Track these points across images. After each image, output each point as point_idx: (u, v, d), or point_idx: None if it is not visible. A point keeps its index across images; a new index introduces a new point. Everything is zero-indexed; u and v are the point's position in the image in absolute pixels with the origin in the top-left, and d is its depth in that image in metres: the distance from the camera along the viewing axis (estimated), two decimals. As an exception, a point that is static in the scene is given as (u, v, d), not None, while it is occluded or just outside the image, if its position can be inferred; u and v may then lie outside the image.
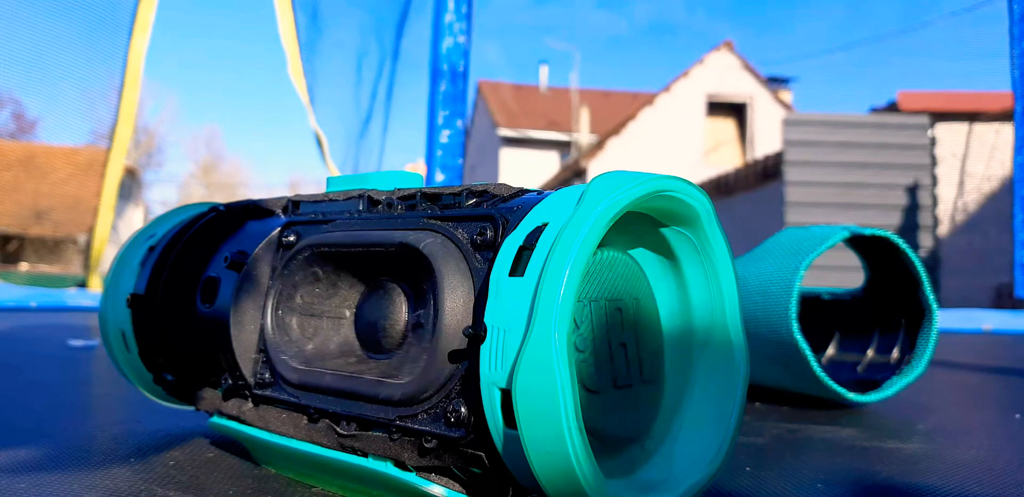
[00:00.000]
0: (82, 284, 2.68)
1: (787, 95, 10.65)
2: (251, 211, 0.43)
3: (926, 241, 4.31)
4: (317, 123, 3.00)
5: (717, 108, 10.54)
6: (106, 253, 2.74)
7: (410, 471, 0.31)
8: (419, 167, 3.14)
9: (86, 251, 2.75)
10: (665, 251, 0.34)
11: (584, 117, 11.82)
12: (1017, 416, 0.68)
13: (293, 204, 0.41)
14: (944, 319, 1.80)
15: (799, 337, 0.64)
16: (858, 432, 0.58)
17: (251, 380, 0.38)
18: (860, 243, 0.72)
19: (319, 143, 3.02)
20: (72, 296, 2.26)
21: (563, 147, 12.48)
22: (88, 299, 2.16)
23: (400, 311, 0.35)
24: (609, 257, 0.32)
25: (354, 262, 0.37)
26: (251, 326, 0.38)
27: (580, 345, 0.30)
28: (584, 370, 0.30)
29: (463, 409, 0.29)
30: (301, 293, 0.37)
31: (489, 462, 0.29)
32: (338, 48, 3.23)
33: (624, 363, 0.32)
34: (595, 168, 9.67)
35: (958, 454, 0.52)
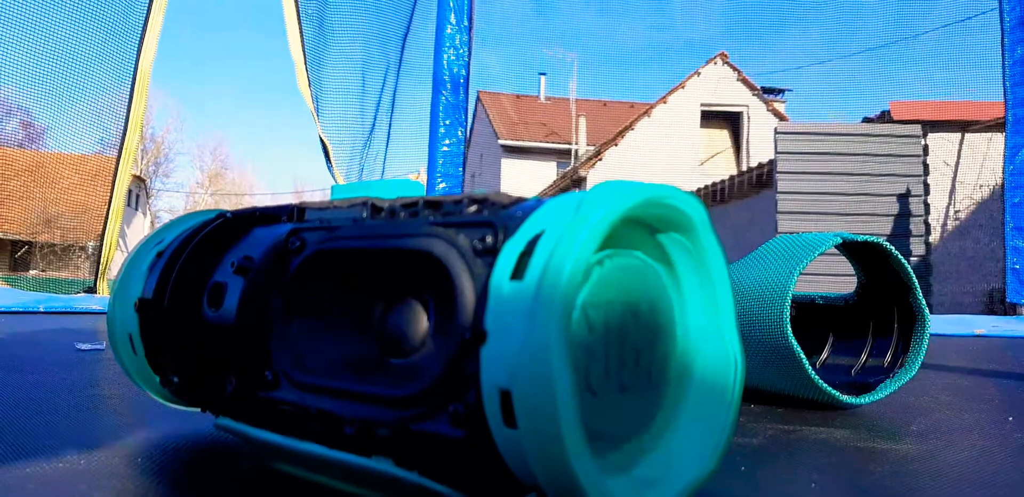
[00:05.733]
0: (91, 289, 2.69)
1: (781, 105, 10.70)
2: (257, 218, 0.44)
3: (918, 249, 4.32)
4: (324, 132, 3.01)
5: (712, 118, 10.58)
6: (115, 259, 2.75)
7: (412, 470, 0.32)
8: (421, 177, 3.16)
9: (96, 257, 2.77)
10: (662, 257, 0.35)
11: (582, 127, 11.85)
12: (1010, 418, 0.69)
13: (298, 211, 0.42)
14: (936, 325, 1.81)
15: (792, 341, 0.65)
16: (852, 433, 0.59)
17: (256, 382, 0.38)
18: (852, 249, 0.73)
19: (326, 152, 3.03)
20: (80, 301, 2.26)
21: (562, 156, 12.52)
22: (96, 304, 2.16)
23: (415, 317, 0.36)
24: (627, 263, 0.33)
25: (367, 268, 0.37)
26: (256, 330, 0.39)
27: (593, 349, 0.31)
28: (592, 373, 0.31)
29: (464, 410, 0.30)
30: (308, 297, 0.38)
31: (490, 461, 0.30)
32: (344, 58, 3.26)
33: (633, 367, 0.33)
34: (593, 177, 9.70)
35: (950, 455, 0.53)
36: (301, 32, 2.95)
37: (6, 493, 0.37)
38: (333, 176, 3.06)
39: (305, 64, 2.96)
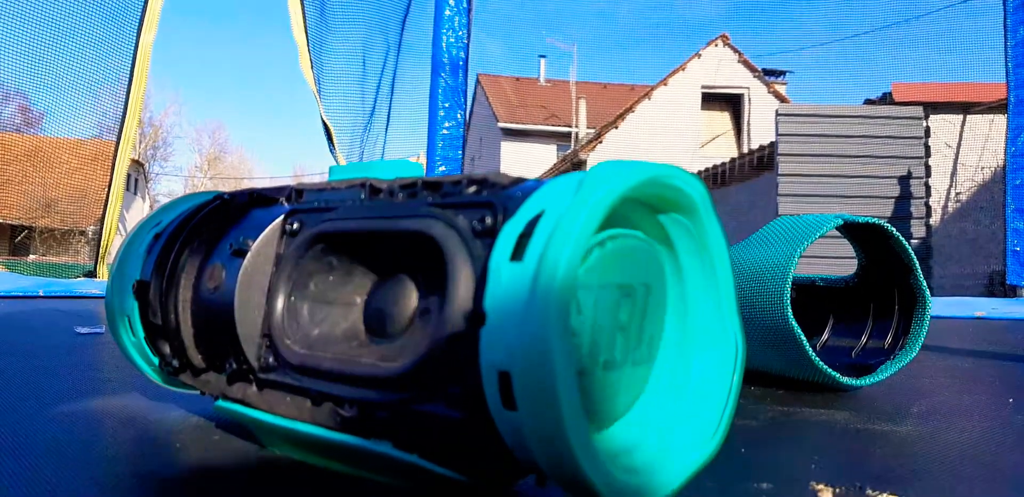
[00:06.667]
0: (90, 274, 2.69)
1: (782, 87, 10.66)
2: (255, 200, 0.44)
3: (919, 231, 4.32)
4: (326, 114, 3.01)
5: (713, 100, 10.55)
6: (114, 243, 2.76)
7: (412, 452, 0.32)
8: (420, 161, 3.15)
9: (95, 241, 2.77)
10: (663, 238, 0.35)
11: (582, 110, 11.82)
12: (1010, 400, 0.69)
13: (296, 193, 0.41)
14: (937, 307, 1.81)
15: (793, 322, 0.65)
16: (852, 415, 0.59)
17: (255, 364, 0.38)
18: (853, 231, 0.73)
19: (328, 135, 3.03)
20: (80, 285, 2.26)
21: (562, 139, 12.49)
22: (96, 288, 2.16)
23: (404, 296, 0.36)
24: (624, 245, 0.32)
25: (362, 249, 0.37)
26: (255, 312, 0.39)
27: (577, 329, 0.31)
28: (574, 353, 0.31)
29: (464, 391, 0.30)
30: (305, 279, 0.38)
31: (489, 443, 0.29)
32: (345, 40, 3.25)
33: (618, 347, 0.33)
34: (593, 160, 9.69)
35: (951, 436, 0.53)
36: (304, 13, 2.94)
37: (4, 478, 0.37)
38: (335, 159, 3.06)
39: (307, 45, 2.95)
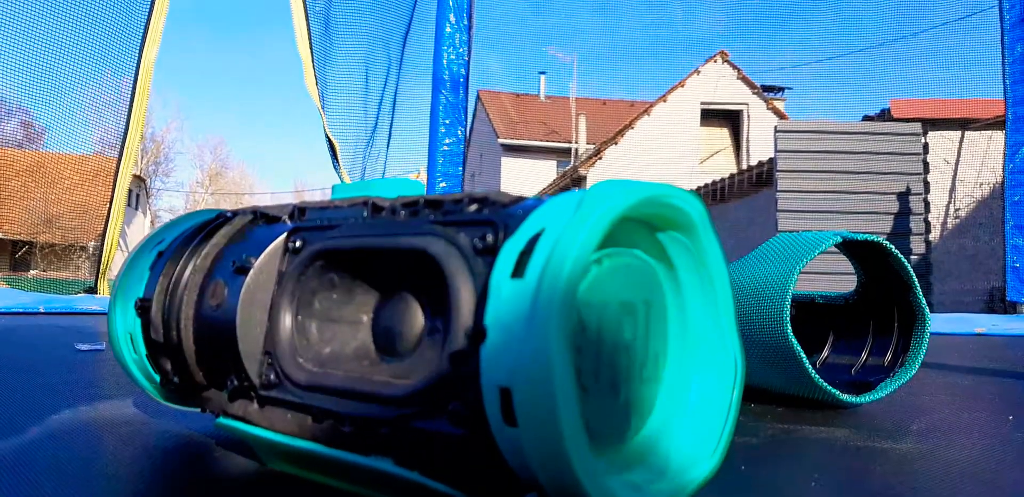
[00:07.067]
0: (91, 290, 2.69)
1: (781, 104, 10.71)
2: (258, 217, 0.44)
3: (918, 247, 4.32)
4: (330, 131, 3.02)
5: (712, 117, 10.59)
6: (116, 259, 2.76)
7: (412, 469, 0.32)
8: (421, 177, 3.16)
9: (96, 257, 2.77)
10: (662, 256, 0.35)
11: (582, 126, 11.87)
12: (1010, 417, 0.69)
13: (299, 211, 0.42)
14: (936, 324, 1.81)
15: (792, 340, 0.65)
16: (852, 432, 0.59)
17: (256, 381, 0.39)
18: (852, 248, 0.73)
19: (333, 151, 3.04)
20: (80, 301, 2.26)
21: (562, 155, 12.53)
22: (96, 304, 2.16)
23: (410, 314, 0.36)
24: (623, 262, 0.33)
25: (364, 266, 0.37)
26: (256, 329, 0.39)
27: (584, 347, 0.31)
28: (582, 371, 0.31)
29: (465, 408, 0.30)
30: (308, 297, 0.38)
31: (490, 460, 0.30)
32: (348, 57, 3.28)
33: (624, 365, 0.33)
34: (593, 176, 9.71)
35: (952, 454, 0.53)
36: (309, 30, 2.96)
37: (4, 495, 0.37)
38: (340, 175, 3.06)
39: (312, 62, 2.97)
